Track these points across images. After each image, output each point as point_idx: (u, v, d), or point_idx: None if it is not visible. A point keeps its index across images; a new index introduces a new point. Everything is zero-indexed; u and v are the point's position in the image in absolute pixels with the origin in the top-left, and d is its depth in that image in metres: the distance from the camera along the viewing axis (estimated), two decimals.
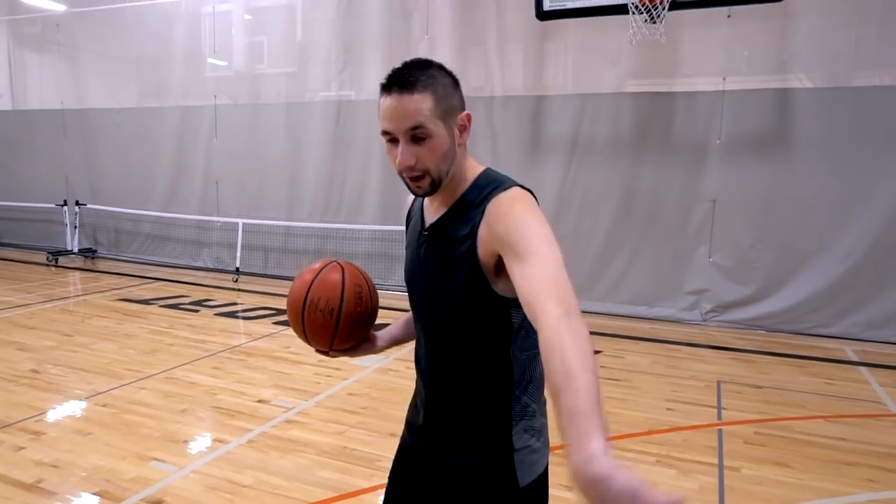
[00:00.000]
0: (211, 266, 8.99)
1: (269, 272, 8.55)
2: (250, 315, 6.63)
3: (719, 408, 4.24)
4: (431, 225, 1.34)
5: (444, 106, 1.25)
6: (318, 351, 1.49)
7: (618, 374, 4.94)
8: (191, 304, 7.04)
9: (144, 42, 9.14)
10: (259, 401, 4.14)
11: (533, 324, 1.04)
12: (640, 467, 3.32)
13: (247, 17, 8.63)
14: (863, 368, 5.19)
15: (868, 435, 3.83)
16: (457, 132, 1.28)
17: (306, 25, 8.22)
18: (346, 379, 4.60)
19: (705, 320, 6.50)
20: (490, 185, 1.29)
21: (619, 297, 6.81)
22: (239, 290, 7.90)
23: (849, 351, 5.66)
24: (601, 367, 5.12)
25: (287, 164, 8.38)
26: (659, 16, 4.65)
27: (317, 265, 1.50)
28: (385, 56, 7.58)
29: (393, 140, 1.24)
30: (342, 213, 8.14)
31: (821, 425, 3.98)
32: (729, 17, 6.08)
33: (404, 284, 1.48)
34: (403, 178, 1.28)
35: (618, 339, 5.96)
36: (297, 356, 5.11)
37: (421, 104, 1.22)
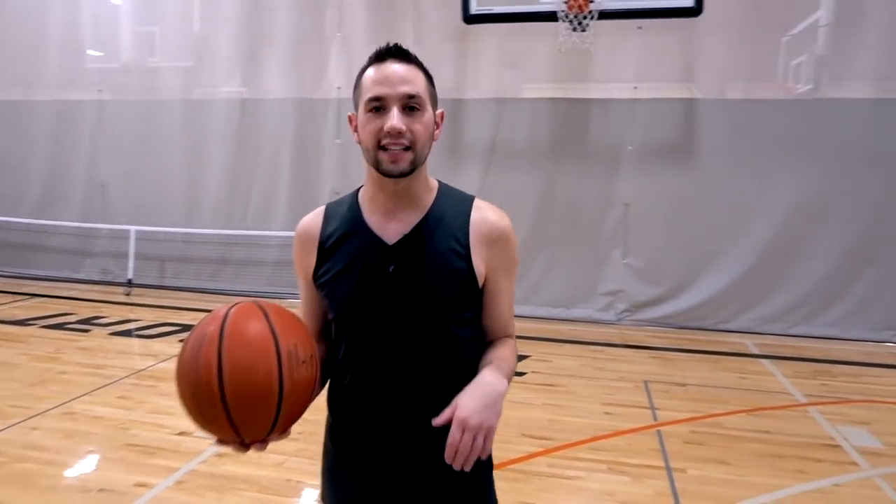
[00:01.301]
0: (96, 278, 8.12)
1: (166, 283, 7.86)
2: (150, 333, 6.03)
3: (653, 408, 4.37)
4: (406, 237, 1.26)
5: (431, 92, 1.27)
6: (250, 444, 1.10)
7: (551, 379, 4.97)
8: (78, 322, 6.29)
9: (12, 26, 8.07)
10: (180, 433, 3.73)
11: (491, 335, 1.35)
12: (595, 476, 3.33)
13: (135, 4, 7.87)
14: (765, 361, 5.59)
15: (787, 426, 4.09)
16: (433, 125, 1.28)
17: (205, 17, 7.62)
18: None
19: (619, 320, 6.74)
20: (459, 194, 1.34)
21: (539, 299, 6.90)
22: (132, 304, 7.18)
23: (750, 344, 6.08)
24: (533, 371, 5.15)
25: (185, 165, 7.73)
26: (588, 25, 4.73)
27: (244, 306, 1.09)
28: (293, 53, 7.19)
29: (379, 109, 1.20)
30: (248, 218, 7.64)
31: (745, 419, 4.21)
32: (640, 28, 6.33)
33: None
34: (378, 154, 1.21)
35: (542, 342, 6.02)
36: None
37: (417, 77, 1.23)
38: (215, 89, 7.68)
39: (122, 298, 7.38)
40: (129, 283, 7.64)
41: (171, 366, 4.88)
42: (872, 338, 6.06)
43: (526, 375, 5.04)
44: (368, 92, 1.21)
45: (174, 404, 4.14)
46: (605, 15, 4.89)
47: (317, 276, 1.31)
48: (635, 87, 6.49)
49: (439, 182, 1.36)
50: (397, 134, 1.18)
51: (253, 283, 7.37)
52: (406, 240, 1.26)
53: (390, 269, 1.24)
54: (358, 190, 1.38)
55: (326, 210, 1.38)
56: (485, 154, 6.91)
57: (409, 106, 1.20)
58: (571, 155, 6.73)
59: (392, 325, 1.25)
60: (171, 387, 4.10)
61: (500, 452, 3.60)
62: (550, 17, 4.90)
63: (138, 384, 4.56)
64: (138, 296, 7.47)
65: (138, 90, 7.84)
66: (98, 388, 4.44)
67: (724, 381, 5.00)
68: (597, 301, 6.84)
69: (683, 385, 4.87)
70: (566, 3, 4.84)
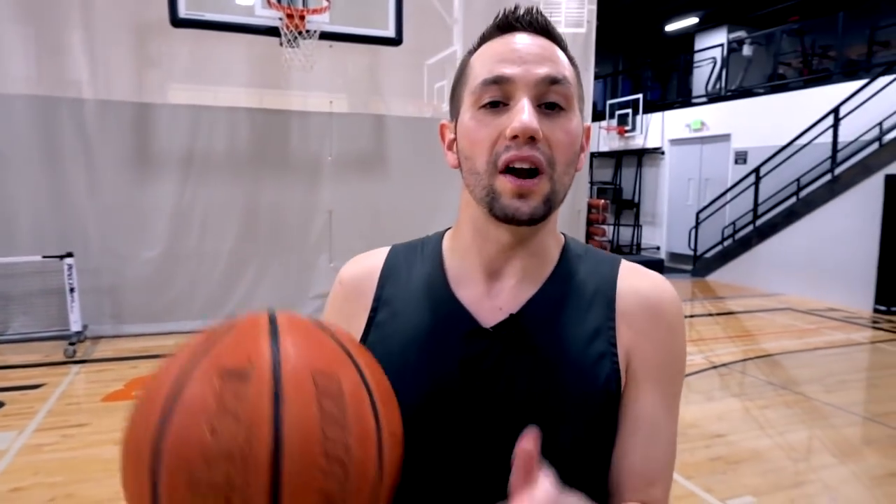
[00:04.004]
0: None
1: None
2: None
3: None
4: (515, 316, 0.77)
5: (580, 91, 0.79)
6: None
7: None
8: None
9: None
10: None
11: (619, 495, 0.78)
12: None
13: None
14: None
15: None
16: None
17: None
18: None
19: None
20: (598, 254, 0.86)
21: (253, 309, 6.82)
22: None
23: None
24: None
25: None
26: (299, 43, 4.99)
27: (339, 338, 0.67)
28: None
29: (498, 104, 0.73)
30: None
31: None
32: (331, 47, 6.79)
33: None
34: (495, 182, 0.73)
35: None
36: None
37: (565, 64, 0.77)
38: None
39: None
40: None
41: None
42: None
43: None
44: (483, 72, 0.74)
45: None
46: (325, 35, 5.23)
47: None
48: (331, 102, 6.97)
49: (564, 235, 0.87)
50: (529, 139, 0.70)
51: None
52: (516, 320, 0.76)
53: (483, 367, 0.75)
54: (443, 233, 0.89)
55: (390, 256, 0.88)
56: (182, 165, 6.48)
57: (550, 102, 0.73)
58: (274, 165, 6.84)
59: (485, 472, 0.73)
60: None
61: None
62: (271, 31, 4.98)
63: None
64: None
65: None
66: None
67: None
68: (309, 305, 7.12)
69: None
70: (283, 19, 4.96)
